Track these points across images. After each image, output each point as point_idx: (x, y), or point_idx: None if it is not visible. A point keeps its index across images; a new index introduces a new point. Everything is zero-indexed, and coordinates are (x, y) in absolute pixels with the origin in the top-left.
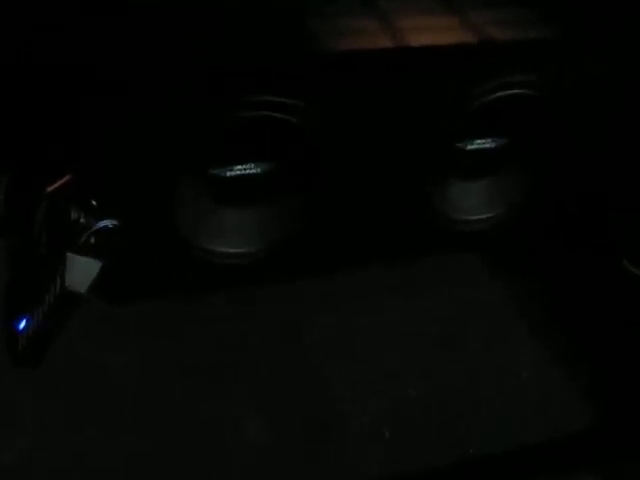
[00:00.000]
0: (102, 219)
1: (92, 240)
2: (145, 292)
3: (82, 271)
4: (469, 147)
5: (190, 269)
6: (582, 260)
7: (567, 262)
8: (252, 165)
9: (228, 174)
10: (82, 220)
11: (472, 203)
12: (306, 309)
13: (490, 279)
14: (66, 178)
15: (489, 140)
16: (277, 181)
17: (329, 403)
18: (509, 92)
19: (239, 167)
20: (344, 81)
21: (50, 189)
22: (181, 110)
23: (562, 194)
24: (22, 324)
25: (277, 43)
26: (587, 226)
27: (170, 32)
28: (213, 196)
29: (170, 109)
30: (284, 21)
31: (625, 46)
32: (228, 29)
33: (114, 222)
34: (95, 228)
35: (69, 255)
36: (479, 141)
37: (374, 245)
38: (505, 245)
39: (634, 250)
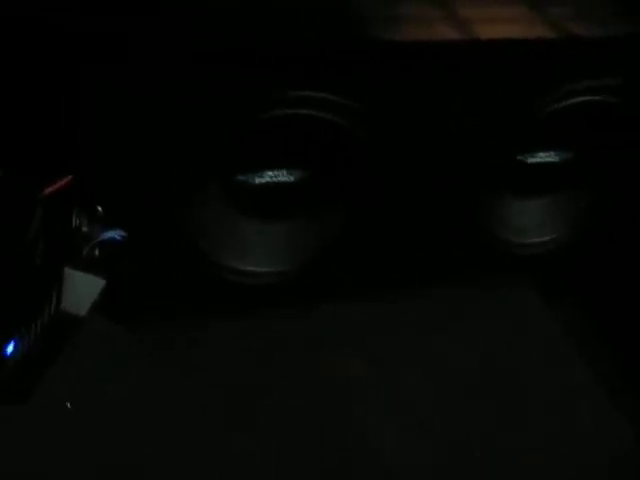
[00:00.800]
0: (108, 228)
1: (96, 253)
2: (156, 313)
3: (82, 289)
4: (530, 160)
5: (209, 289)
6: None
7: (633, 290)
8: (284, 172)
9: (256, 181)
10: (85, 229)
11: (529, 224)
12: (338, 338)
13: (545, 309)
14: (66, 179)
15: (553, 153)
16: (312, 191)
17: (356, 438)
18: (586, 98)
19: (269, 174)
20: (397, 77)
21: (47, 191)
22: (202, 104)
23: (632, 215)
24: (10, 347)
25: (324, 26)
26: None
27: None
28: (238, 206)
29: (190, 102)
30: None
31: None
32: (262, 6)
33: (122, 233)
34: (100, 239)
35: (68, 270)
36: (542, 154)
37: (415, 267)
38: (564, 271)
39: None
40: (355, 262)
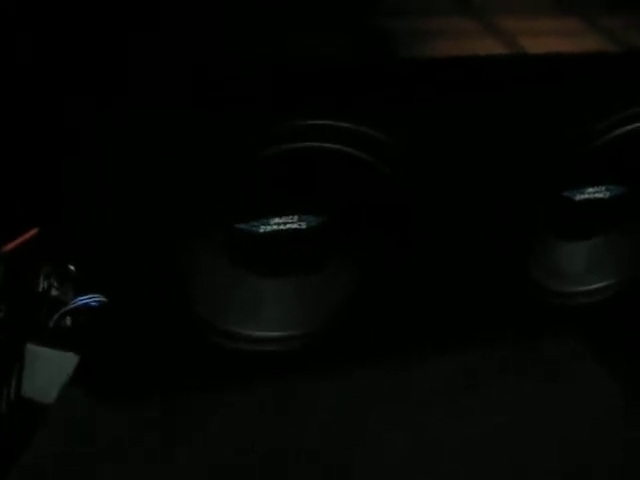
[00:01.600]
0: (82, 292)
1: (67, 322)
2: (145, 390)
3: (49, 370)
4: (578, 197)
5: (209, 360)
6: None
7: None
8: (295, 218)
9: (262, 230)
10: (54, 293)
11: (578, 270)
12: (363, 414)
13: (599, 368)
14: (31, 232)
15: (603, 189)
16: (329, 241)
17: None
18: None
19: (277, 221)
20: (428, 101)
21: (8, 248)
22: (196, 140)
23: None
24: None
25: (340, 42)
26: None
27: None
28: (241, 261)
29: (182, 138)
30: (355, 11)
31: None
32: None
33: (99, 297)
34: (72, 305)
35: (31, 347)
36: (591, 190)
37: (451, 325)
38: (620, 324)
39: None
40: (381, 324)
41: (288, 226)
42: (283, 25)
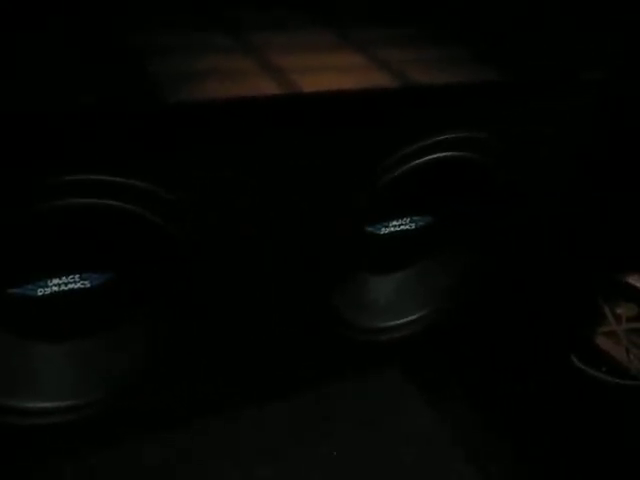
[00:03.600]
0: None
1: None
2: None
3: None
4: (383, 231)
5: None
6: (527, 358)
7: (510, 363)
8: (76, 277)
9: (39, 293)
10: None
11: (387, 304)
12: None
13: (420, 400)
14: None
15: (408, 220)
16: (115, 300)
17: None
18: (438, 156)
19: (56, 282)
20: (210, 150)
21: None
22: None
23: (504, 284)
24: None
25: (113, 90)
26: (531, 319)
27: None
28: (16, 327)
29: None
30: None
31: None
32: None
33: None
34: None
35: None
36: (395, 222)
37: (258, 380)
38: (432, 353)
39: (581, 346)
40: (179, 385)
41: (70, 286)
42: (36, 69)
